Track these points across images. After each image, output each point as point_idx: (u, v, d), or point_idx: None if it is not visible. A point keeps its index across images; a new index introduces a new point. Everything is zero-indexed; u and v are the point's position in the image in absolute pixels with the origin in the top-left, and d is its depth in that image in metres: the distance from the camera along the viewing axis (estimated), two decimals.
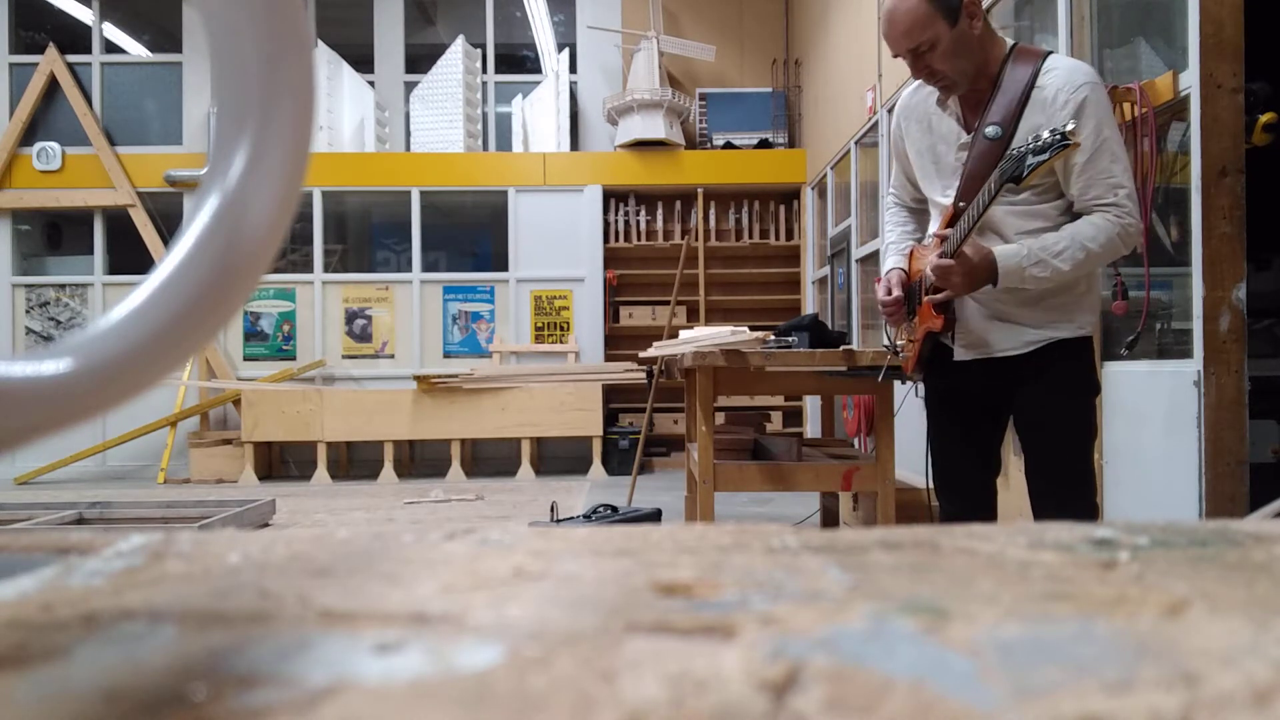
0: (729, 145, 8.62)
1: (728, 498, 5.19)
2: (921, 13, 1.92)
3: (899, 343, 2.34)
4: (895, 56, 2.03)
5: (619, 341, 8.62)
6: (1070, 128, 1.77)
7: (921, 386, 2.36)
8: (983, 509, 2.19)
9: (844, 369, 3.03)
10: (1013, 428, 2.17)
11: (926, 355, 2.19)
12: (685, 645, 0.32)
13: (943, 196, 2.10)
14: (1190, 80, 2.87)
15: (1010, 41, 2.06)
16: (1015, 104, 1.96)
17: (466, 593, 0.39)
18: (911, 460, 4.47)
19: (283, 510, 5.67)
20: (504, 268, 8.65)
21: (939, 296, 2.04)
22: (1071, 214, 1.99)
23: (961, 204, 1.98)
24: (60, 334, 8.61)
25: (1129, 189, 1.94)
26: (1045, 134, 1.78)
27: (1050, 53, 2.02)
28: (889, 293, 2.22)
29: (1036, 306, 2.02)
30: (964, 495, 2.20)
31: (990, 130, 1.97)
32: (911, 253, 2.26)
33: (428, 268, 8.68)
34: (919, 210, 2.34)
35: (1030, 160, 1.77)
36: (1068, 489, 2.04)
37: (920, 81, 2.14)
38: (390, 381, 8.31)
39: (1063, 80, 1.93)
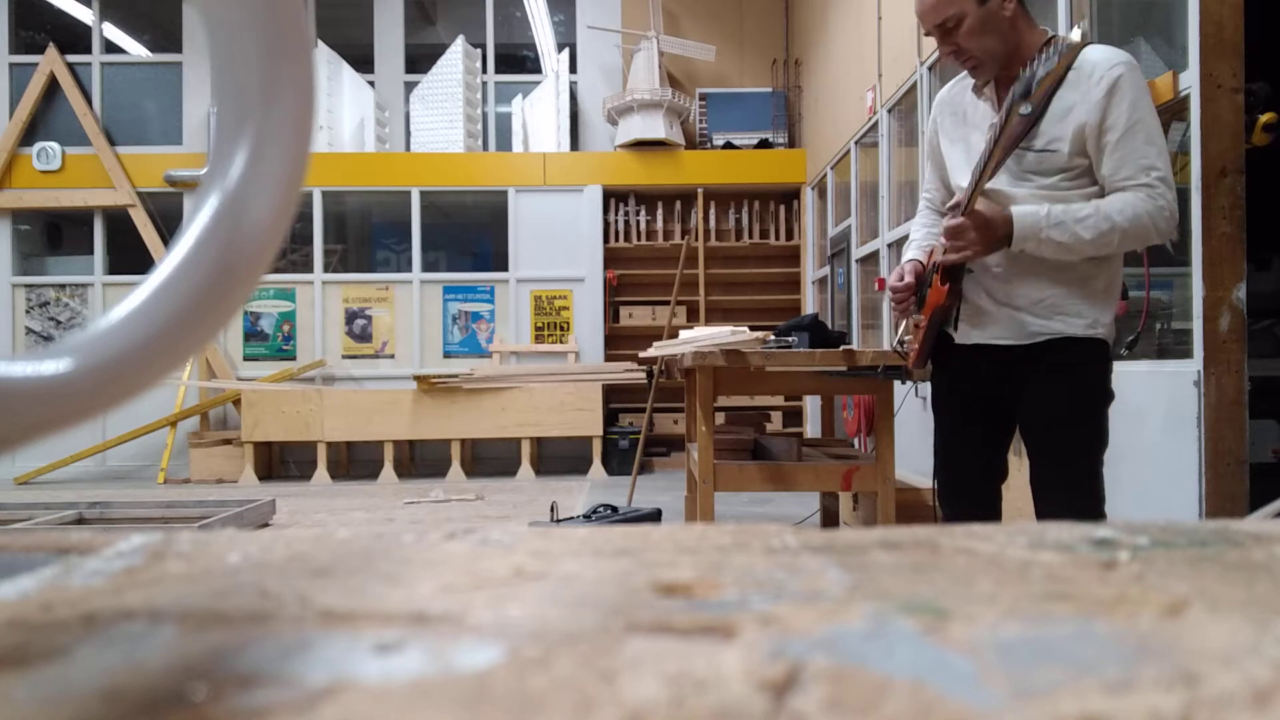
0: (729, 145, 8.62)
1: (728, 498, 5.19)
2: None
3: (905, 338, 2.29)
4: (926, 34, 2.03)
5: (619, 341, 8.62)
6: (1076, 33, 1.77)
7: (924, 386, 2.32)
8: (986, 515, 2.14)
9: (844, 369, 3.03)
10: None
11: (929, 348, 2.15)
12: (685, 645, 0.32)
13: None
14: (1190, 80, 2.87)
15: (1050, 33, 2.04)
16: (1050, 84, 1.92)
17: (466, 593, 0.39)
18: (911, 460, 4.47)
19: (283, 510, 5.67)
20: (504, 268, 8.65)
21: (952, 257, 1.96)
22: None
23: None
24: (60, 334, 8.61)
25: (1163, 173, 1.87)
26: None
27: (1089, 43, 2.00)
28: (900, 279, 2.16)
29: (1046, 298, 1.97)
30: (968, 500, 2.16)
31: (1023, 108, 1.94)
32: (932, 251, 2.23)
33: (428, 268, 8.68)
34: None
35: (1040, 72, 1.75)
36: (1070, 502, 1.95)
37: (957, 78, 2.14)
38: (390, 381, 8.31)
39: (1099, 60, 1.91)
